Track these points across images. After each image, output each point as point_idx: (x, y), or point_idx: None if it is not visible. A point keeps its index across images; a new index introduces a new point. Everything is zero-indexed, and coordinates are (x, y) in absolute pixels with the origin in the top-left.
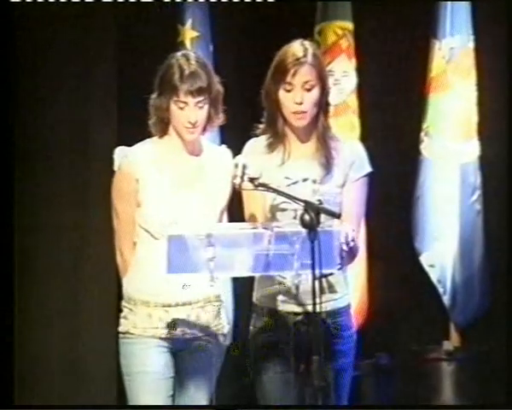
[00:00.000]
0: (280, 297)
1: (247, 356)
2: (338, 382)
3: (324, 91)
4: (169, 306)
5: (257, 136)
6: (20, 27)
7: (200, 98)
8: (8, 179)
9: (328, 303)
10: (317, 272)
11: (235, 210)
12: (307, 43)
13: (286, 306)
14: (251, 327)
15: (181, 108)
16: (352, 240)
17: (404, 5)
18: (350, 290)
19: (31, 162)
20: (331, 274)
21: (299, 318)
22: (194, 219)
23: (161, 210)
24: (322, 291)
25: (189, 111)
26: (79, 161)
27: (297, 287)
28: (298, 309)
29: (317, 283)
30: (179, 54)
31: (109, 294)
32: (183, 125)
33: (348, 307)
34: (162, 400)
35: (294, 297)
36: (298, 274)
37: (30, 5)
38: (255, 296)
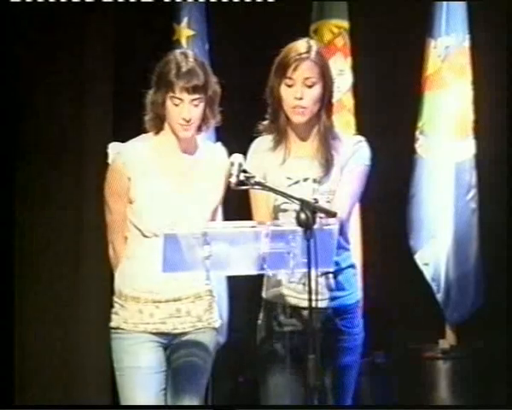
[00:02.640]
0: (285, 291)
1: (250, 352)
2: (344, 380)
3: (327, 90)
4: (159, 302)
5: (260, 133)
6: (20, 27)
7: (196, 96)
8: (8, 179)
9: (336, 301)
10: (314, 270)
11: (230, 208)
12: (312, 41)
13: (294, 300)
14: (259, 321)
15: (176, 105)
16: None
17: (399, 4)
18: (358, 288)
19: (31, 162)
20: (337, 271)
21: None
22: (186, 217)
23: (153, 209)
24: (329, 288)
25: (183, 108)
26: (79, 160)
27: (304, 283)
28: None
29: (325, 280)
30: (178, 51)
31: (109, 293)
32: (177, 121)
33: (356, 304)
34: (154, 394)
35: (301, 293)
36: (292, 272)
37: (30, 5)
38: (265, 292)
